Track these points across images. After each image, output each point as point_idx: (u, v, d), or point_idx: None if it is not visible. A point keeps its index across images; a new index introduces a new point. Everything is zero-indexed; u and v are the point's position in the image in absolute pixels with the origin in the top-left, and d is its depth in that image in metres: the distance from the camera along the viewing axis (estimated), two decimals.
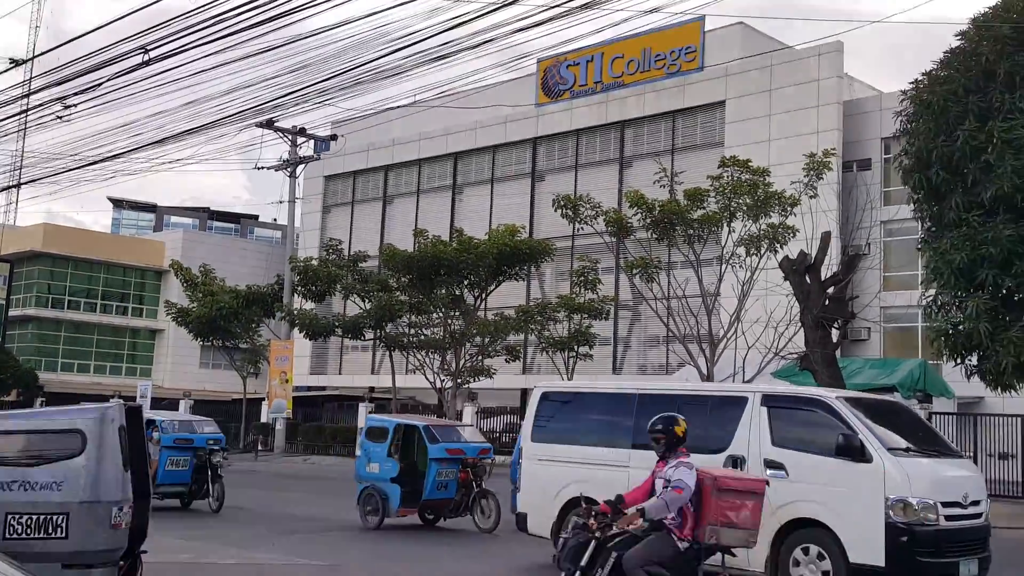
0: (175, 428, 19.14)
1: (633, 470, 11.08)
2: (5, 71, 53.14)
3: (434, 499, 16.36)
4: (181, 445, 18.48)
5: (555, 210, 31.37)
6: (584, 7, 17.64)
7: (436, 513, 16.99)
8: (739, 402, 11.28)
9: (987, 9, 20.11)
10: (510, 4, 18.00)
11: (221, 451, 19.22)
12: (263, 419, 40.68)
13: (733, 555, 8.98)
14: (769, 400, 11.03)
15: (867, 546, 9.76)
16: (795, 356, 26.40)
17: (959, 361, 20.86)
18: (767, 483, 9.33)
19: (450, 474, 16.19)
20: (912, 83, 21.06)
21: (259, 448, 37.32)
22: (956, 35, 20.44)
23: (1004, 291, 19.01)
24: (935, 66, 20.65)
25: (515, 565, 13.44)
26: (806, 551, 10.16)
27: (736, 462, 10.60)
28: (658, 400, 11.98)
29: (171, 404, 44.13)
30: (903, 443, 10.69)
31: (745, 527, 8.56)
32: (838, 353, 24.61)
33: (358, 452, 17.91)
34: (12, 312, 57.68)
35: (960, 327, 19.81)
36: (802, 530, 10.26)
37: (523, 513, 12.68)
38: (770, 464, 10.47)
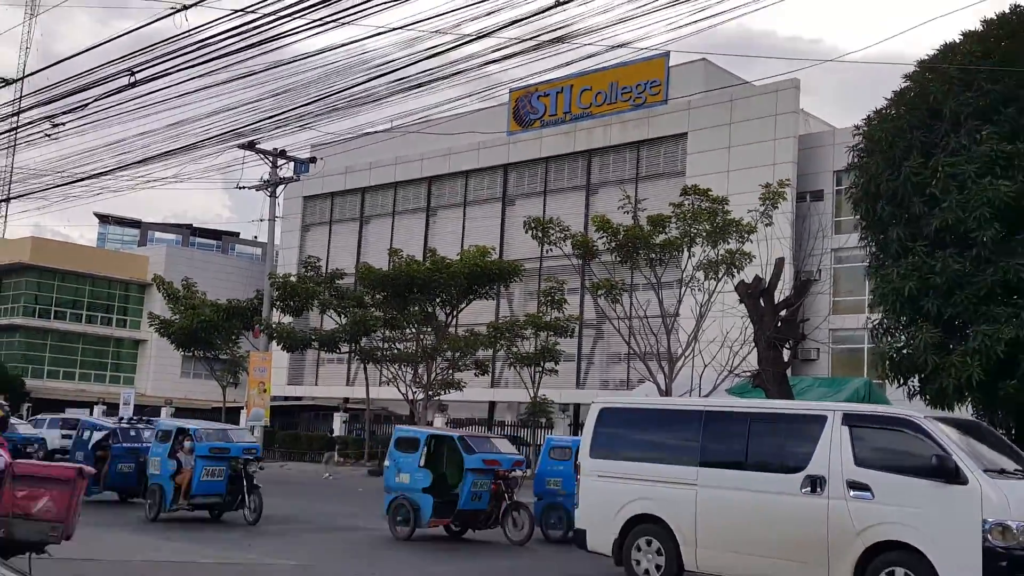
0: (211, 437, 17.29)
1: (701, 488, 10.73)
2: None
3: (468, 510, 15.45)
4: (217, 455, 16.63)
5: (526, 231, 31.40)
6: (555, 41, 17.72)
7: (465, 524, 16.13)
8: (818, 420, 10.63)
9: (934, 51, 20.36)
10: (484, 36, 18.06)
11: (256, 460, 17.78)
12: (242, 425, 40.27)
13: (44, 553, 8.02)
14: (851, 419, 10.40)
15: (962, 571, 9.15)
16: (748, 374, 26.52)
17: (902, 383, 21.00)
18: (79, 471, 8.44)
19: (484, 485, 15.33)
20: (863, 120, 21.26)
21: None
22: (904, 76, 20.67)
23: (945, 317, 19.16)
24: (885, 104, 20.86)
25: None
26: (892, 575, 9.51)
27: (815, 482, 10.06)
28: (727, 418, 11.82)
29: (154, 411, 43.84)
30: (996, 464, 10.05)
31: (47, 519, 7.58)
32: (789, 372, 24.74)
33: (387, 463, 16.65)
34: (1, 321, 57.11)
35: (904, 351, 19.96)
36: (889, 553, 9.60)
37: (582, 530, 11.96)
38: (853, 485, 9.85)
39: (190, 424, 18.59)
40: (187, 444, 17.06)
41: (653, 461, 11.54)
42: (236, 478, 16.87)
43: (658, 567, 10.90)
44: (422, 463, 15.79)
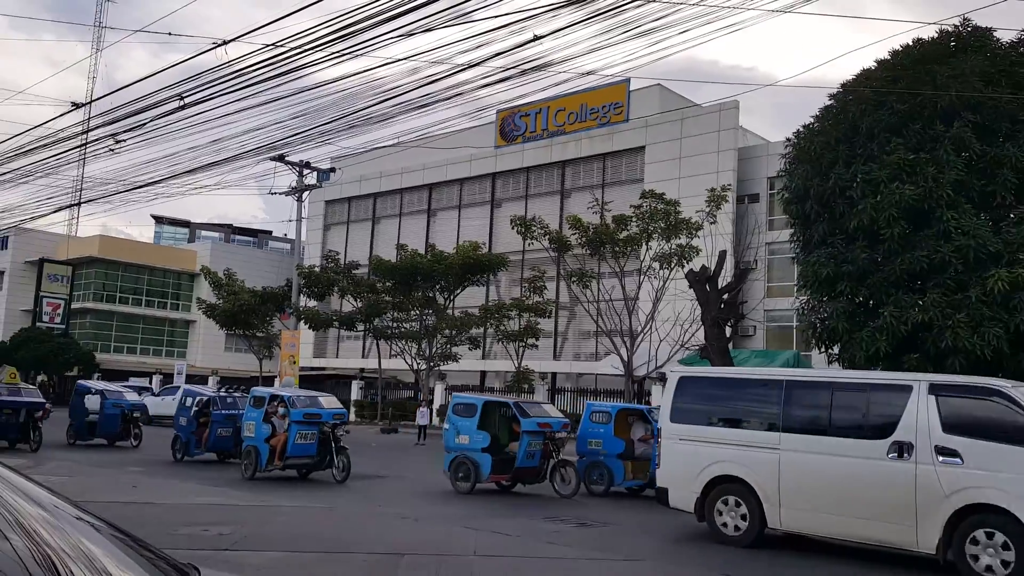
0: (304, 404, 15.95)
1: (784, 452, 10.00)
2: (67, 112, 52.10)
3: (524, 467, 14.64)
4: (310, 420, 15.37)
5: (512, 228, 31.44)
6: (534, 70, 17.63)
7: (518, 480, 15.10)
8: (903, 389, 9.80)
9: (853, 76, 20.39)
10: (475, 66, 17.95)
11: (343, 424, 16.50)
12: (327, 394, 40.34)
13: None
14: (938, 388, 9.60)
15: None
16: (696, 348, 26.57)
17: (823, 350, 21.10)
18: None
19: (537, 445, 14.57)
20: (793, 134, 21.28)
21: None
22: (829, 96, 20.69)
23: (859, 299, 19.24)
24: (811, 121, 20.88)
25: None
26: (990, 535, 8.69)
27: (902, 448, 9.30)
28: (810, 386, 11.14)
29: (202, 380, 43.69)
30: None
31: None
32: (731, 345, 24.83)
33: (445, 425, 15.78)
34: (74, 305, 57.15)
35: (826, 323, 20.05)
36: (980, 515, 8.83)
37: (664, 488, 10.92)
38: (942, 451, 9.08)
39: (283, 391, 18.17)
40: (280, 410, 16.00)
41: (734, 426, 10.85)
42: (324, 441, 15.71)
43: (740, 524, 10.21)
44: (479, 426, 14.79)
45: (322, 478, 16.07)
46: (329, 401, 17.09)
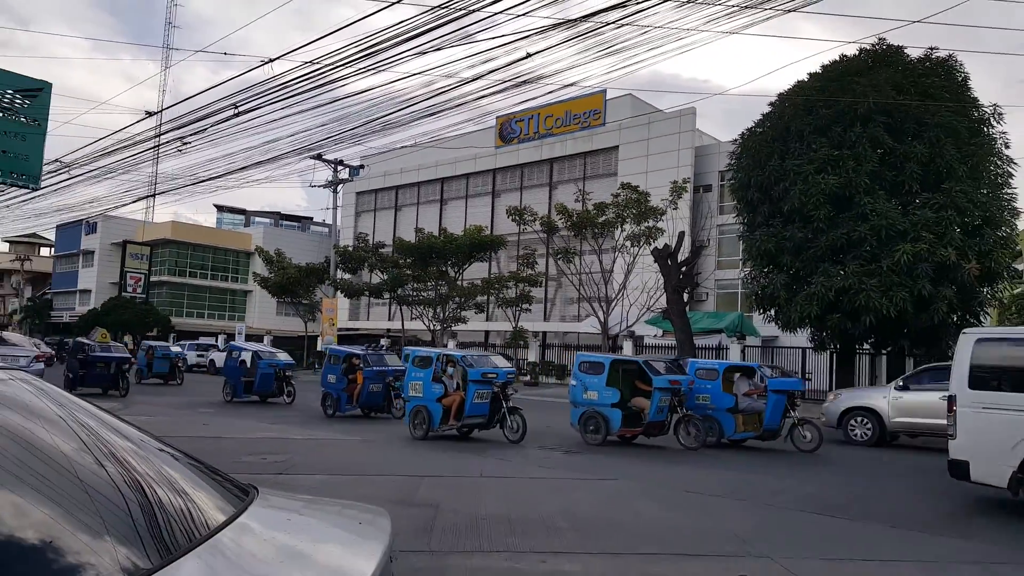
0: (481, 364, 13.28)
1: None
2: (142, 119, 51.36)
3: (654, 422, 12.67)
4: (487, 379, 12.73)
5: (508, 216, 31.32)
6: (527, 83, 17.48)
7: (648, 433, 12.92)
8: None
9: (788, 87, 20.29)
10: (477, 79, 17.79)
11: (512, 383, 13.57)
12: (318, 348, 40.27)
13: None
14: None
15: None
16: (660, 311, 26.59)
17: (763, 312, 21.15)
18: None
19: (667, 401, 12.61)
20: (740, 135, 21.18)
21: (316, 368, 36.95)
22: (768, 104, 20.59)
23: (794, 270, 19.25)
24: (754, 124, 20.78)
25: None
26: None
27: None
28: None
29: (258, 338, 43.68)
30: None
31: None
32: (688, 308, 24.85)
33: (572, 382, 13.32)
34: (152, 279, 57.02)
35: (766, 290, 20.08)
36: None
37: (962, 460, 8.18)
38: None
39: (454, 352, 14.64)
40: (449, 369, 13.70)
41: None
42: (496, 400, 13.03)
43: None
44: (607, 383, 12.78)
45: (496, 436, 13.06)
46: (501, 361, 14.27)
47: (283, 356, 20.47)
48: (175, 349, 25.60)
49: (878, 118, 18.08)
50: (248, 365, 20.28)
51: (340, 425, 14.67)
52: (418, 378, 13.26)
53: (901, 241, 17.26)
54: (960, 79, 19.05)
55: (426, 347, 18.73)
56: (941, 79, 18.66)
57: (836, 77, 19.05)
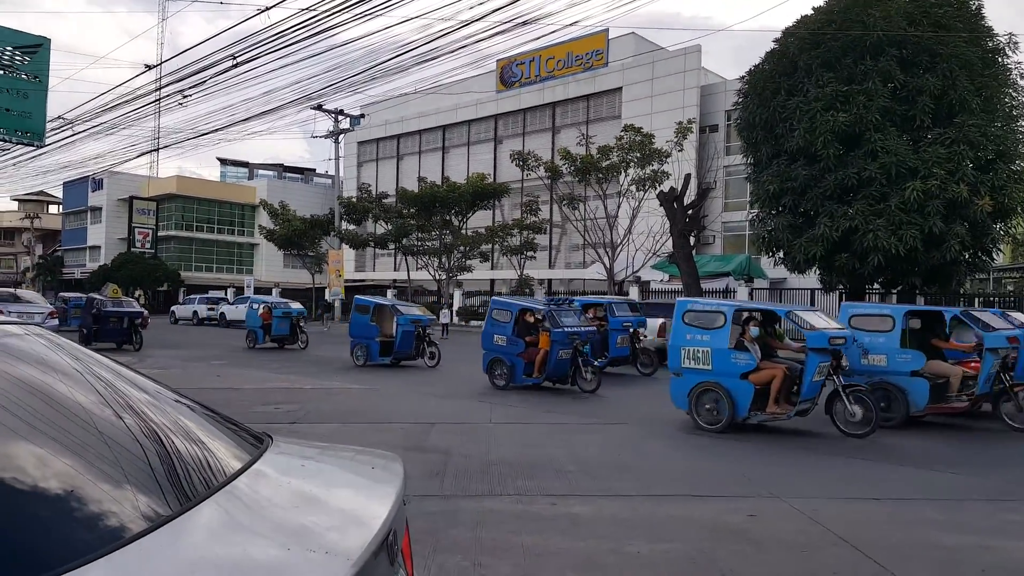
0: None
1: None
2: (142, 73, 50.76)
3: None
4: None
5: (512, 162, 31.07)
6: (526, 23, 17.13)
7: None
8: None
9: (794, 22, 19.79)
10: (477, 21, 17.46)
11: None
12: (326, 299, 40.57)
13: None
14: None
15: None
16: (666, 255, 26.54)
17: (771, 255, 21.06)
18: None
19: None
20: (745, 73, 20.76)
21: (324, 318, 37.25)
22: (773, 40, 20.10)
23: (801, 210, 19.09)
24: (760, 61, 20.34)
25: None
26: None
27: None
28: None
29: (267, 291, 43.96)
30: None
31: None
32: (694, 252, 24.79)
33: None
34: (160, 233, 57.11)
35: (771, 233, 19.96)
36: None
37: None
38: None
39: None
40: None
41: None
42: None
43: None
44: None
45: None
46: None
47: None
48: (296, 306, 22.04)
49: (889, 51, 17.66)
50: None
51: (351, 375, 14.83)
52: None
53: (912, 179, 17.04)
54: (974, 8, 18.52)
55: (431, 296, 18.72)
56: (954, 9, 18.13)
57: (843, 9, 18.54)
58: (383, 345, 16.03)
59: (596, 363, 12.46)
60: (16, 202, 74.93)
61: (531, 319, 12.58)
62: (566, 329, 11.88)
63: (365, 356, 16.25)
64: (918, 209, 16.98)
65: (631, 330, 15.35)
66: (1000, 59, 18.30)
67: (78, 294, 30.24)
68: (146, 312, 21.92)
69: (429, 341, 16.27)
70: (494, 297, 13.91)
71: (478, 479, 6.17)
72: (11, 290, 25.18)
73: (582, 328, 12.23)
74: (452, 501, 5.48)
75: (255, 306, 22.12)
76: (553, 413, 10.01)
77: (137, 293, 43.91)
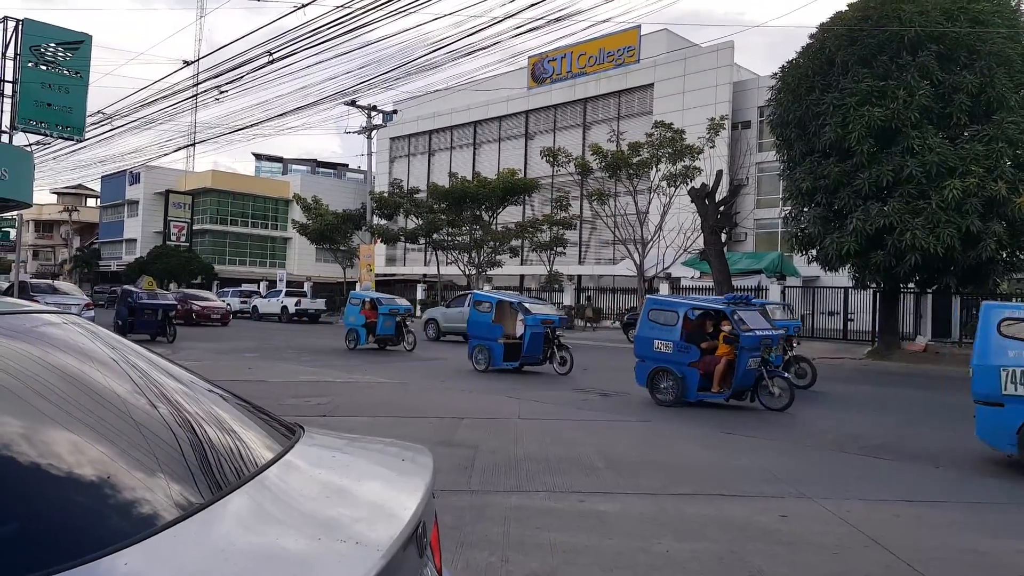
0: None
1: None
2: (180, 69, 51.55)
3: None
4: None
5: (542, 158, 31.04)
6: (558, 20, 17.05)
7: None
8: None
9: (829, 17, 19.48)
10: (509, 18, 17.43)
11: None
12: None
13: None
14: None
15: None
16: (697, 252, 26.29)
17: (803, 253, 20.78)
18: None
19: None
20: (779, 69, 20.48)
21: None
22: (808, 36, 19.80)
23: (834, 208, 18.80)
24: (794, 57, 20.05)
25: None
26: None
27: None
28: None
29: (299, 284, 44.43)
30: None
31: None
32: (725, 249, 24.54)
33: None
34: (195, 227, 57.99)
35: (804, 230, 19.69)
36: None
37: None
38: None
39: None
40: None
41: None
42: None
43: None
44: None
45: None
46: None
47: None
48: (402, 302, 19.72)
49: (928, 46, 17.29)
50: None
51: (378, 367, 14.92)
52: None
53: (950, 177, 16.68)
54: (1014, 3, 18.07)
55: (461, 291, 17.54)
56: (992, 4, 17.70)
57: (879, 4, 18.19)
58: (507, 348, 13.90)
59: (784, 374, 10.33)
60: (55, 195, 76.70)
61: (709, 322, 10.65)
62: (757, 333, 9.83)
63: (487, 360, 13.98)
64: (956, 208, 16.63)
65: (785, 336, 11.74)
66: None
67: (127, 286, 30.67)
68: (179, 305, 22.20)
69: (559, 344, 13.99)
70: (650, 296, 11.49)
71: (506, 475, 6.17)
72: (49, 281, 25.78)
73: (773, 332, 10.29)
74: (481, 496, 5.48)
75: (355, 301, 19.51)
76: (582, 409, 9.98)
77: (171, 286, 44.69)
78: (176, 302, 21.79)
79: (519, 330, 13.97)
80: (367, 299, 19.20)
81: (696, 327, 10.68)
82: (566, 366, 13.84)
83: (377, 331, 18.56)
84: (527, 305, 14.25)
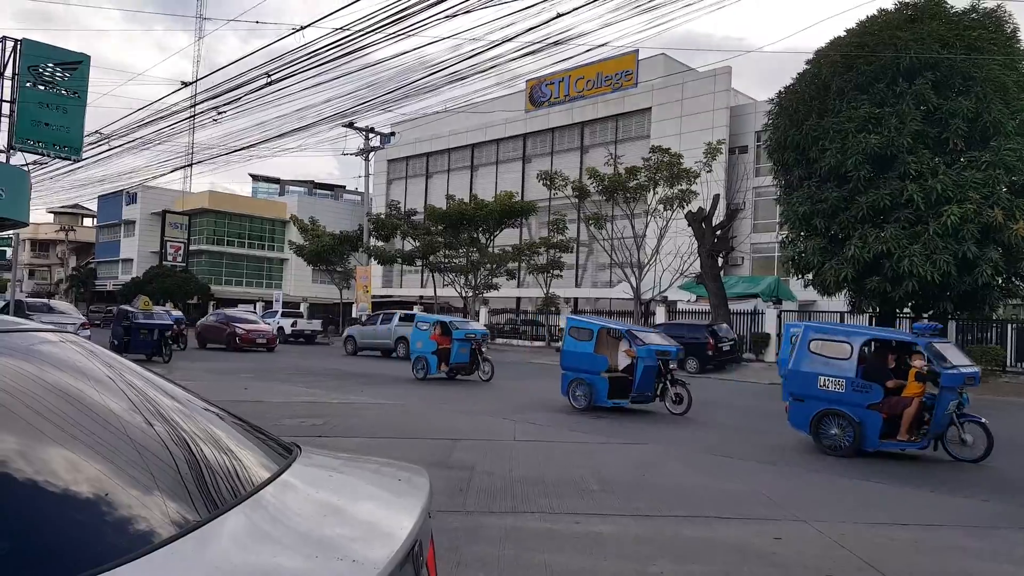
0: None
1: None
2: (177, 90, 51.92)
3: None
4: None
5: (538, 181, 31.18)
6: (556, 44, 17.22)
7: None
8: None
9: (825, 44, 19.73)
10: (507, 41, 17.61)
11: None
12: (353, 315, 40.84)
13: None
14: None
15: None
16: (694, 276, 26.36)
17: (800, 277, 20.84)
18: None
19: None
20: (776, 94, 20.69)
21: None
22: (806, 62, 20.04)
23: (832, 233, 18.90)
24: (791, 82, 20.27)
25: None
26: None
27: None
28: None
29: (295, 305, 44.36)
30: None
31: None
32: (722, 273, 24.61)
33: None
34: (192, 247, 58.02)
35: (801, 255, 19.77)
36: None
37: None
38: None
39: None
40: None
41: None
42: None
43: None
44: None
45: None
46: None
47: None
48: (476, 326, 17.71)
49: (924, 73, 17.50)
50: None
51: (374, 389, 14.87)
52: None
53: (947, 202, 16.81)
54: (1009, 31, 18.32)
55: (457, 314, 17.64)
56: (988, 31, 17.95)
57: (875, 32, 18.45)
58: (612, 383, 12.06)
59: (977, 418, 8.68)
60: (52, 214, 76.78)
61: (891, 356, 9.04)
62: (961, 371, 8.48)
63: (588, 397, 12.12)
64: (953, 234, 16.74)
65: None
66: None
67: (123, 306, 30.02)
68: (175, 325, 22.04)
69: (673, 379, 12.10)
70: (811, 323, 10.18)
71: (502, 496, 6.14)
72: (45, 300, 25.73)
73: (972, 368, 8.93)
74: (477, 518, 5.46)
75: (423, 326, 17.13)
76: (576, 432, 9.95)
77: (168, 306, 44.56)
78: (172, 322, 21.66)
79: (622, 361, 12.47)
80: (437, 323, 17.21)
81: (880, 363, 9.09)
82: (682, 405, 11.89)
83: (451, 359, 16.51)
84: (637, 334, 12.39)
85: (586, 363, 12.21)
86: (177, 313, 25.98)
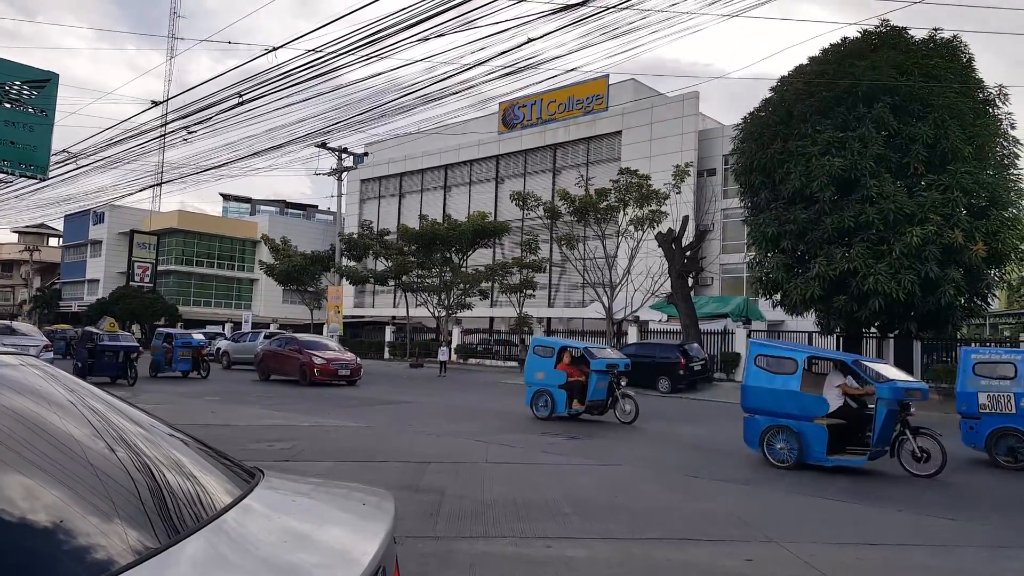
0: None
1: None
2: (148, 109, 51.59)
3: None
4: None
5: (511, 202, 31.30)
6: (529, 68, 17.42)
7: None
8: None
9: (789, 71, 20.19)
10: (480, 65, 17.77)
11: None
12: (324, 335, 40.50)
13: None
14: None
15: None
16: (664, 295, 26.59)
17: (768, 297, 21.12)
18: None
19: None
20: (742, 119, 21.10)
21: None
22: (770, 88, 20.49)
23: (798, 253, 19.22)
24: (756, 107, 20.69)
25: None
26: None
27: None
28: None
29: (265, 325, 43.79)
30: None
31: None
32: (692, 293, 24.85)
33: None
34: (160, 268, 57.17)
35: (768, 275, 20.05)
36: None
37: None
38: None
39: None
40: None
41: None
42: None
43: None
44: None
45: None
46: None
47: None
48: (616, 355, 14.39)
49: (883, 99, 17.99)
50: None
51: (345, 411, 14.71)
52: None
53: (908, 224, 17.21)
54: (965, 60, 18.93)
55: (430, 333, 17.75)
56: (945, 60, 18.53)
57: (837, 60, 18.97)
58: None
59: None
60: (16, 234, 75.27)
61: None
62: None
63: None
64: (916, 254, 17.12)
65: None
66: (991, 109, 18.66)
67: (88, 328, 28.17)
68: (140, 348, 21.66)
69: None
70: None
71: (473, 520, 6.10)
72: (7, 322, 25.14)
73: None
74: (447, 543, 5.41)
75: (544, 351, 14.00)
76: (549, 453, 9.92)
77: (134, 328, 43.81)
78: (137, 345, 21.26)
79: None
80: (567, 349, 13.91)
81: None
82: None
83: (589, 395, 13.35)
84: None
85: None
86: (127, 335, 23.74)
